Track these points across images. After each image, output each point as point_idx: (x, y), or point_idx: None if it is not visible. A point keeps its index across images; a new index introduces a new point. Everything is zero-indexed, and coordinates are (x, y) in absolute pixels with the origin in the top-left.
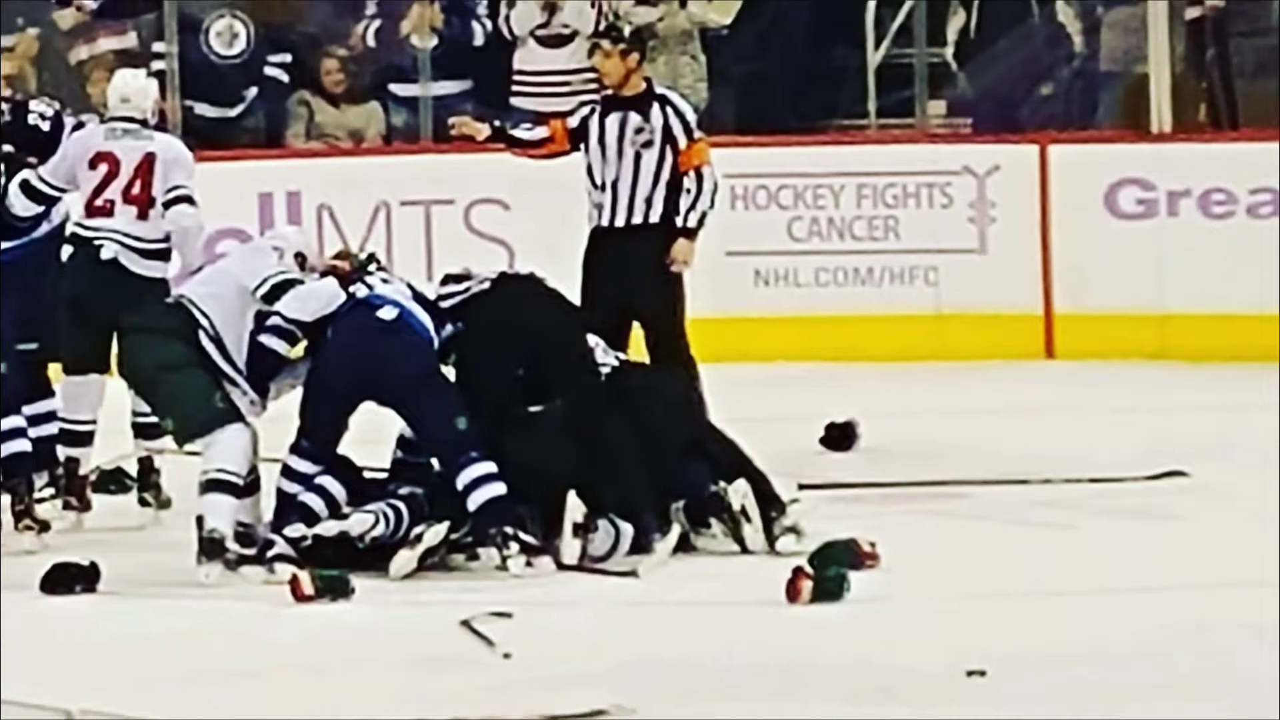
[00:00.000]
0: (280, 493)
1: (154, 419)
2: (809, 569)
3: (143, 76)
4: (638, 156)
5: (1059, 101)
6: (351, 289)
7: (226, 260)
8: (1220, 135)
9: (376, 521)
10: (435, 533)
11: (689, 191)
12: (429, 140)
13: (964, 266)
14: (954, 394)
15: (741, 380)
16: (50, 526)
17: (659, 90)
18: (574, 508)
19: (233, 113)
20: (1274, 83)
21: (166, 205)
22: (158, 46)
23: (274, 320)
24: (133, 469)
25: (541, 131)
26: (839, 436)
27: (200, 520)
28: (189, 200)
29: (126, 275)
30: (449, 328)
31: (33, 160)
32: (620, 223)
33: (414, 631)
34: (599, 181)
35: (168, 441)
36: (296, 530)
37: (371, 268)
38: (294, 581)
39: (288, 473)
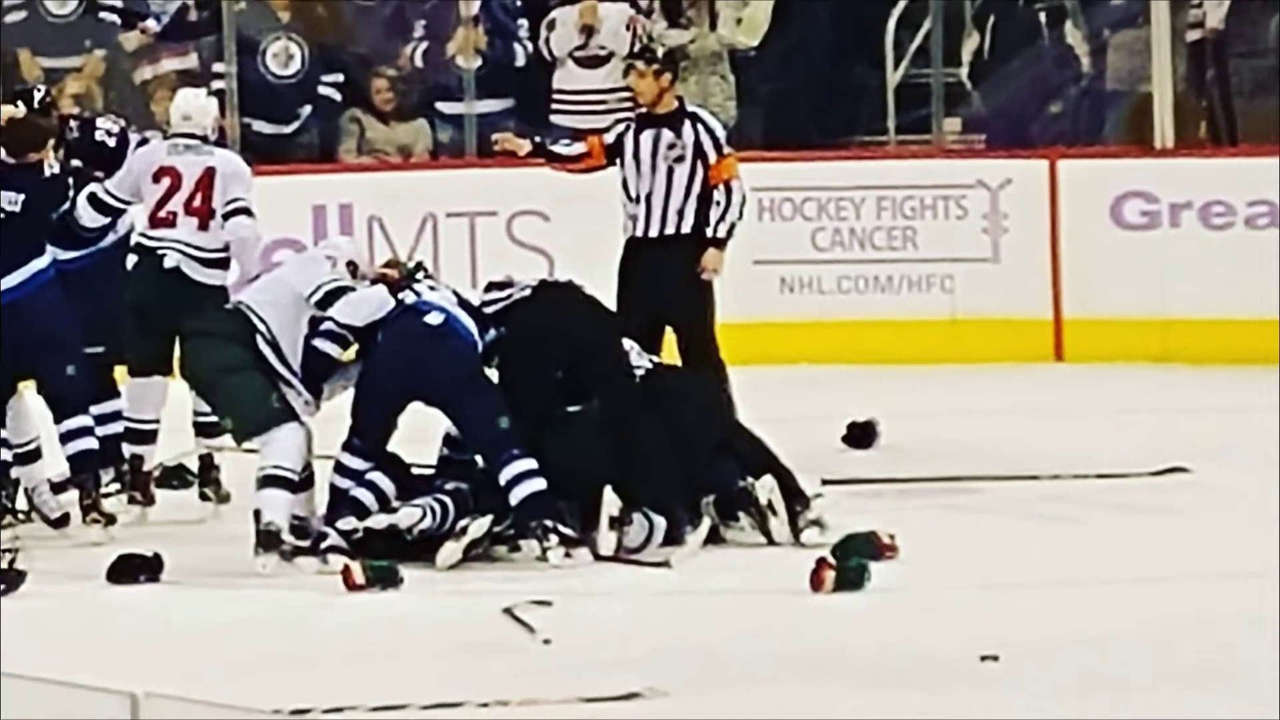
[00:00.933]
0: (333, 488)
1: (214, 418)
2: (832, 560)
3: (203, 95)
4: (670, 171)
5: (1067, 119)
6: (400, 296)
7: (282, 269)
8: (1220, 151)
9: (424, 515)
10: (479, 526)
11: (719, 204)
12: (473, 155)
13: (978, 274)
14: (968, 395)
15: (768, 382)
16: (116, 520)
17: (690, 108)
18: (610, 502)
19: (288, 129)
20: (1271, 101)
21: (226, 217)
22: (218, 67)
23: (327, 325)
24: (194, 466)
25: (579, 147)
26: (860, 435)
27: (258, 514)
28: (247, 212)
29: (188, 283)
30: (492, 332)
31: (100, 174)
32: (654, 233)
33: (459, 619)
34: (634, 194)
35: (227, 440)
36: (348, 523)
37: (419, 275)
38: (346, 572)
39: (340, 469)
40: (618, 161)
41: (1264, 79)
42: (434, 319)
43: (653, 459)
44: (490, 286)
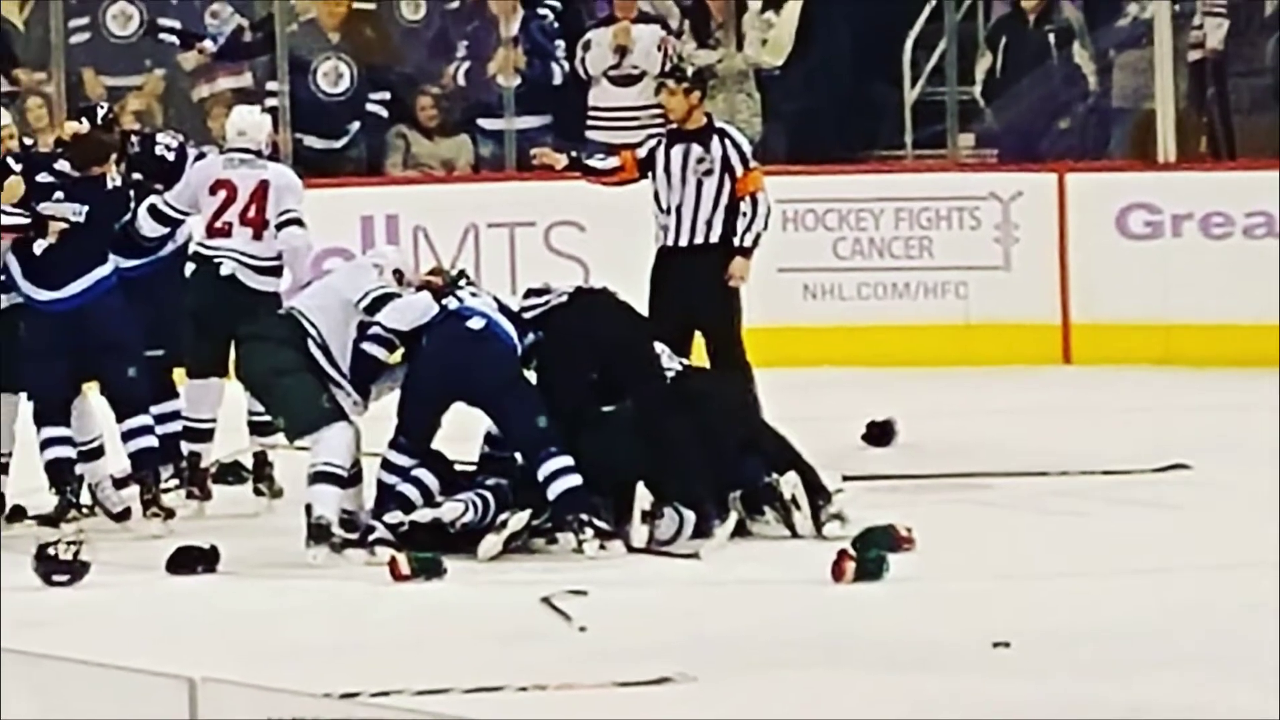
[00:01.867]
0: (380, 484)
1: (267, 418)
2: (852, 551)
3: (257, 112)
4: (699, 183)
5: (1075, 134)
6: (444, 302)
7: (332, 276)
8: (1219, 164)
9: (466, 509)
10: (519, 519)
11: (745, 215)
12: (513, 169)
13: (990, 281)
14: (981, 396)
15: (792, 383)
16: (175, 514)
17: (718, 124)
18: (642, 497)
19: (338, 144)
20: (1268, 117)
21: (279, 227)
22: (271, 85)
23: (374, 330)
24: (249, 462)
25: (613, 161)
26: (878, 434)
27: (309, 508)
28: (299, 222)
29: (243, 289)
30: (531, 336)
31: (159, 187)
32: (684, 243)
33: (499, 607)
34: (665, 206)
35: (280, 438)
36: (395, 517)
37: (462, 283)
38: (392, 563)
39: (387, 466)
40: (649, 175)
41: (1261, 96)
42: (476, 324)
43: (682, 456)
44: (529, 293)
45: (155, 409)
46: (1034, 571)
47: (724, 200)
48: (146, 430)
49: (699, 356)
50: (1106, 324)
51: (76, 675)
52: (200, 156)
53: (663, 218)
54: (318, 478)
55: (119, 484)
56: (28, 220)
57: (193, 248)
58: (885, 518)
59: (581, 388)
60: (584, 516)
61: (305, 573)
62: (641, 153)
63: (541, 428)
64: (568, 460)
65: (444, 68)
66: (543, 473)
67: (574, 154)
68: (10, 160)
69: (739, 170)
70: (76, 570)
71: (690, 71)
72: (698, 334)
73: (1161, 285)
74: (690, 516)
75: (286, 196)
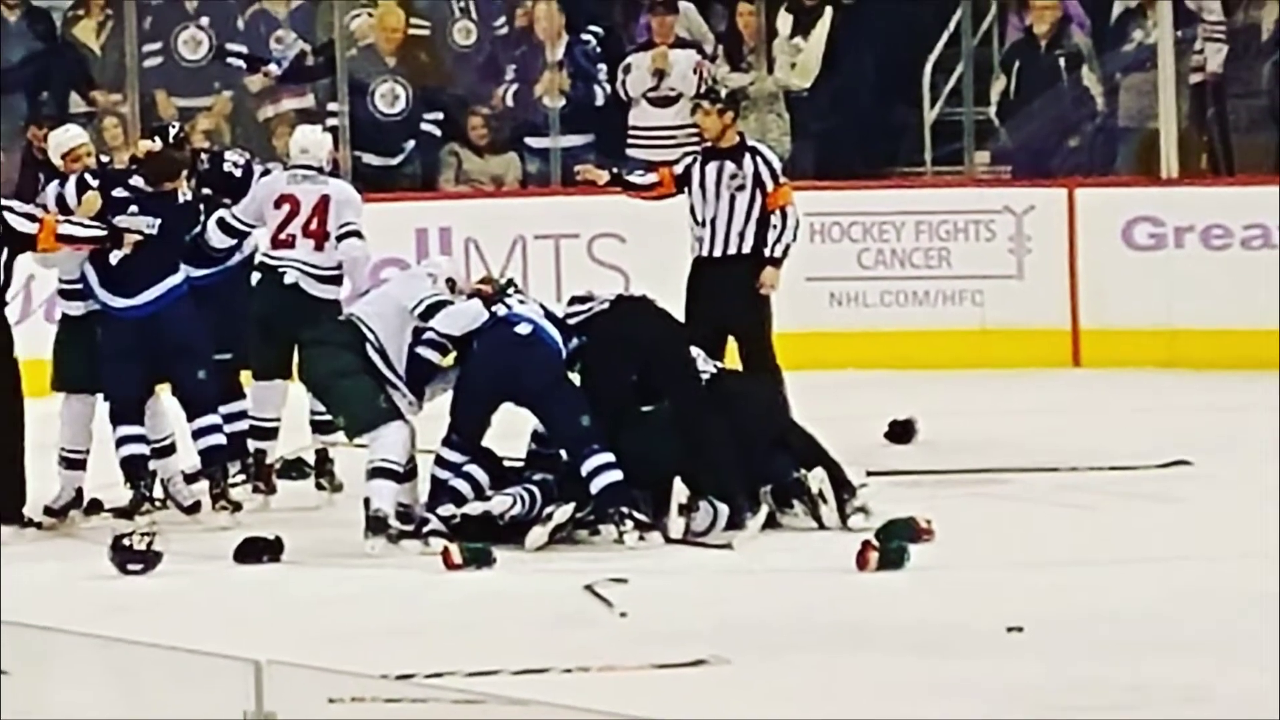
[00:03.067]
0: (434, 479)
1: (328, 417)
2: (875, 542)
3: (319, 131)
4: (732, 198)
5: (1084, 152)
6: (493, 309)
7: (389, 284)
8: (1219, 180)
9: (514, 503)
10: (563, 512)
11: (775, 227)
12: (558, 185)
13: (1004, 290)
14: (996, 396)
15: (819, 385)
16: (242, 507)
17: (750, 143)
18: (679, 491)
19: (394, 162)
20: (1264, 136)
21: (339, 239)
22: (332, 106)
23: (428, 335)
24: (311, 459)
25: (652, 177)
26: (900, 432)
27: (367, 502)
28: (358, 234)
29: (305, 297)
30: (575, 341)
31: (227, 201)
32: (718, 253)
33: (545, 595)
34: (700, 219)
35: (340, 436)
36: (447, 510)
37: (510, 291)
38: (445, 553)
39: (440, 462)
40: (686, 190)
41: (1258, 117)
42: (523, 329)
43: (717, 453)
44: (573, 300)
45: (223, 409)
46: (1046, 561)
47: (755, 214)
48: (215, 429)
49: (732, 360)
50: (1114, 329)
51: (150, 658)
52: (265, 173)
53: (698, 230)
54: (375, 473)
55: (189, 479)
56: (105, 233)
57: (259, 258)
58: (906, 510)
59: (622, 389)
60: (625, 509)
61: (363, 562)
62: (678, 169)
63: (585, 426)
64: (609, 457)
65: (493, 90)
66: (586, 468)
67: (615, 171)
68: (88, 176)
69: (769, 185)
70: (150, 560)
71: (724, 93)
72: (731, 338)
73: (1165, 293)
74: (724, 509)
75: (346, 210)
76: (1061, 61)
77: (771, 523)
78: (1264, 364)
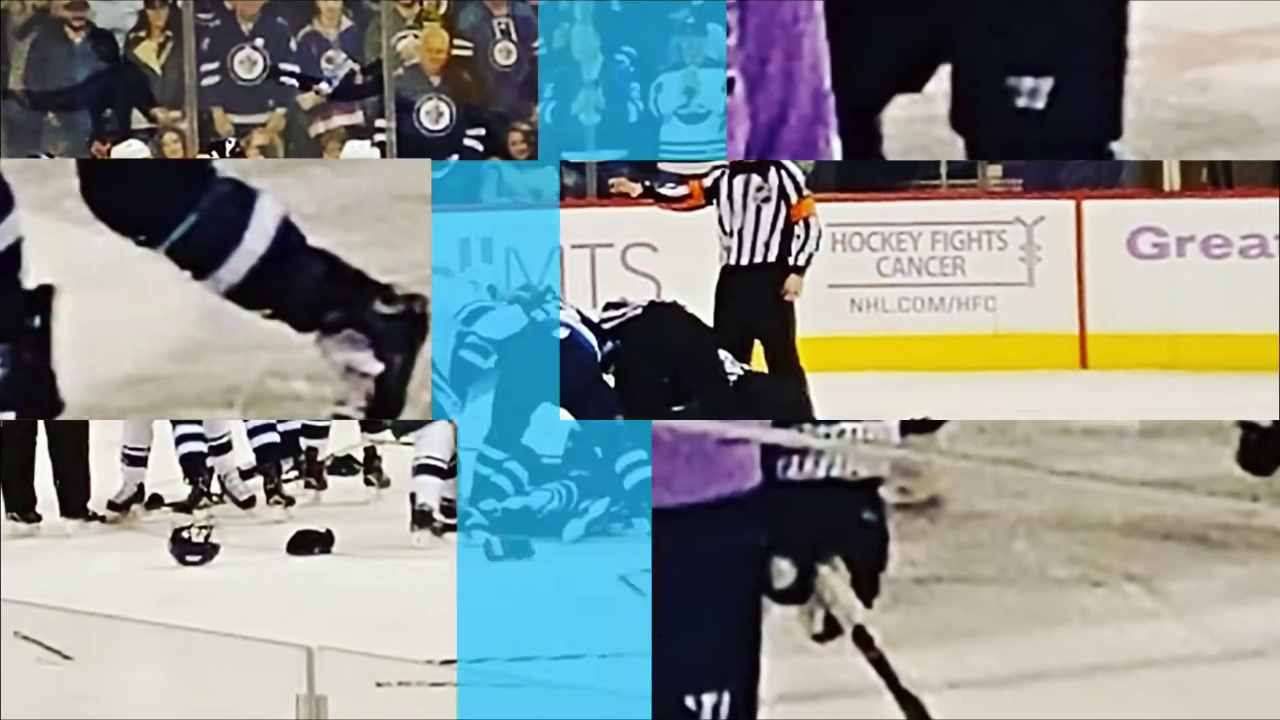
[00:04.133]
0: (476, 474)
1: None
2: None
3: (367, 146)
4: (758, 209)
5: (1090, 166)
6: (532, 314)
7: (434, 291)
8: (1219, 193)
9: (552, 498)
10: (598, 507)
11: (799, 237)
12: (594, 197)
13: (1015, 296)
14: (1007, 397)
15: (840, 386)
16: (295, 501)
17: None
18: None
19: (439, 175)
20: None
21: None
22: (379, 122)
23: (471, 338)
24: (360, 456)
25: (682, 190)
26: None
27: (413, 496)
28: None
29: None
30: (609, 344)
31: None
32: (745, 262)
33: (582, 585)
34: (728, 229)
35: (388, 434)
36: (489, 504)
37: (548, 297)
38: (487, 545)
39: (482, 459)
40: (714, 202)
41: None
42: (561, 333)
43: None
44: (608, 306)
45: None
46: None
47: (780, 224)
48: (269, 428)
49: (758, 362)
50: (1119, 334)
51: (207, 644)
52: None
53: (726, 240)
54: (421, 469)
55: (245, 475)
56: None
57: None
58: None
59: (654, 390)
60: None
61: (410, 553)
62: (707, 182)
63: (619, 425)
64: (642, 454)
65: (533, 107)
66: (619, 465)
67: (647, 183)
68: None
69: (794, 197)
70: (207, 551)
71: None
72: (757, 342)
73: (1168, 299)
74: None
75: None
76: None
77: None
78: (1263, 367)
